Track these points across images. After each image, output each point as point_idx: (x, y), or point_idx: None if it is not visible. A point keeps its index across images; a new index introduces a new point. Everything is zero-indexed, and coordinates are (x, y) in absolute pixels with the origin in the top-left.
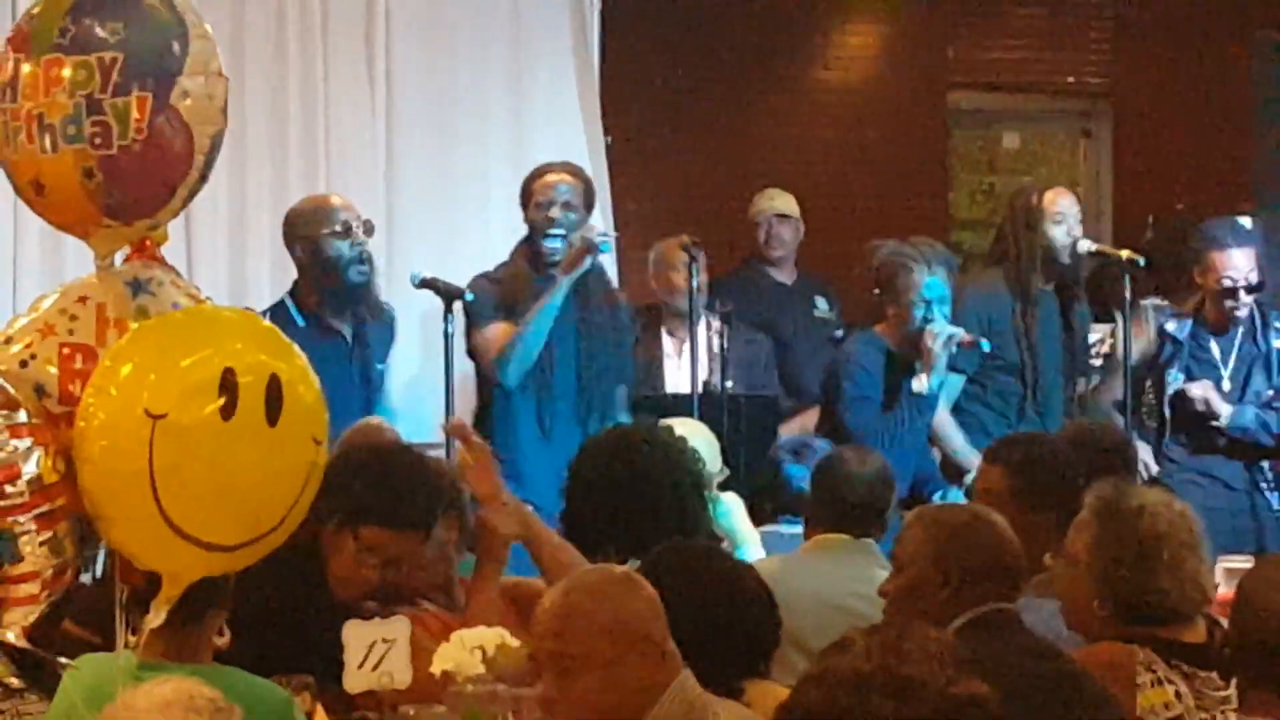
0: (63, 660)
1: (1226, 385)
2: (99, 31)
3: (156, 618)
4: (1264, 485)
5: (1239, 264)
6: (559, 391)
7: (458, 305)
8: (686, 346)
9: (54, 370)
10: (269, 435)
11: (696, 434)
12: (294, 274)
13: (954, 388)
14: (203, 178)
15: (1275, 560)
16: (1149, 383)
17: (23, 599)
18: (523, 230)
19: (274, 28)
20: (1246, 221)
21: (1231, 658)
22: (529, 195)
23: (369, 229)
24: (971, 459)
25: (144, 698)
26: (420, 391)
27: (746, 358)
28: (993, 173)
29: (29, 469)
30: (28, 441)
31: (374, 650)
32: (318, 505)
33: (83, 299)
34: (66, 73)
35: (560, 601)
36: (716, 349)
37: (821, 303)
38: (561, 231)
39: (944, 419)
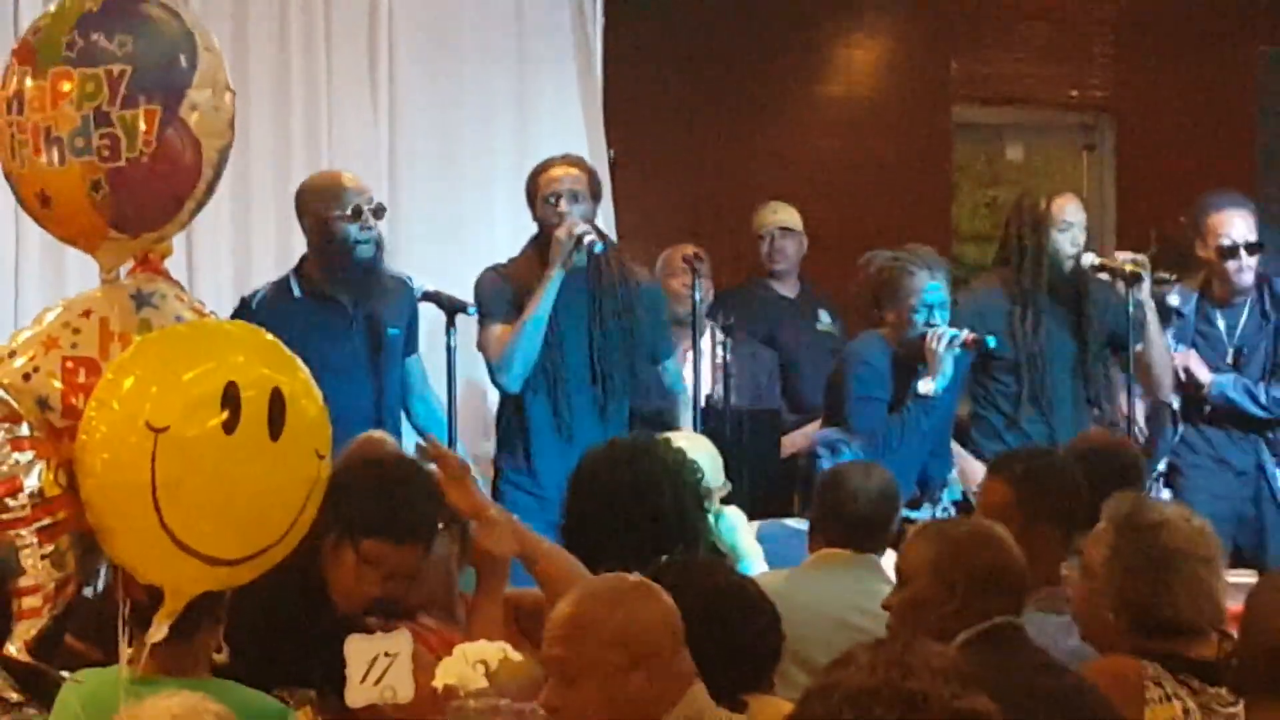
0: (64, 674)
1: (1230, 359)
2: (107, 44)
3: (159, 632)
4: (1270, 464)
5: (1236, 223)
6: (574, 388)
7: (460, 318)
8: (689, 358)
9: (57, 384)
10: (271, 449)
11: (699, 447)
12: None
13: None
14: (210, 191)
15: None
16: None
17: (25, 612)
18: (524, 238)
19: (277, 35)
20: None
21: (1239, 671)
22: (534, 191)
23: (379, 212)
24: None
25: (150, 711)
26: None
27: (751, 370)
28: (996, 186)
29: (31, 482)
30: (30, 455)
31: (376, 664)
32: (318, 518)
33: (86, 313)
34: (74, 86)
35: (572, 608)
36: (719, 361)
37: (824, 316)
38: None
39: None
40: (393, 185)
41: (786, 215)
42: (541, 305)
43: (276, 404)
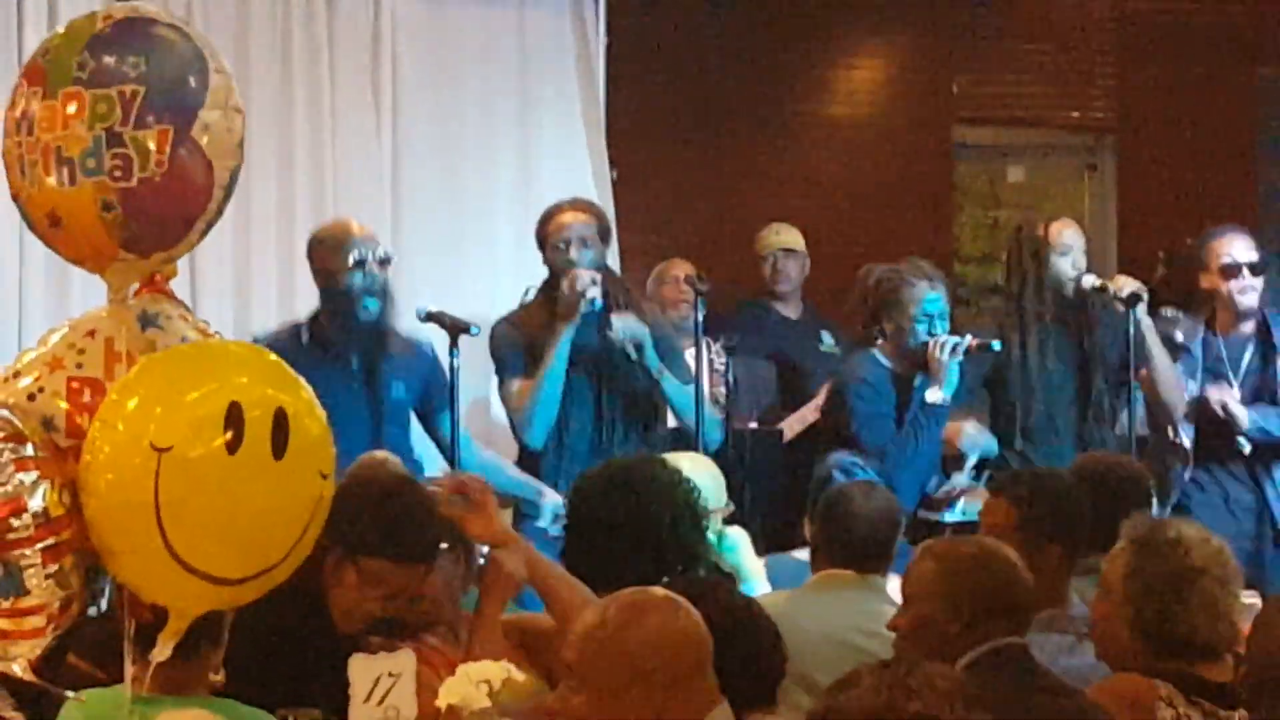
0: (68, 694)
1: (1236, 392)
2: (119, 65)
3: (163, 651)
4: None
5: (1237, 244)
6: (577, 436)
7: (463, 338)
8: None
9: (63, 404)
10: (275, 469)
11: (701, 468)
12: (299, 305)
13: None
14: (219, 212)
15: None
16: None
17: (29, 632)
18: (530, 261)
19: (279, 60)
20: None
21: (1248, 694)
22: (545, 237)
23: (385, 262)
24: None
25: None
26: None
27: (753, 390)
28: (998, 207)
29: (35, 502)
30: (34, 474)
31: (380, 684)
32: (320, 538)
33: (91, 333)
34: (85, 106)
35: (595, 616)
36: (721, 383)
37: (827, 337)
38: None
39: None
40: (395, 204)
41: (789, 236)
42: (555, 363)
43: (280, 424)
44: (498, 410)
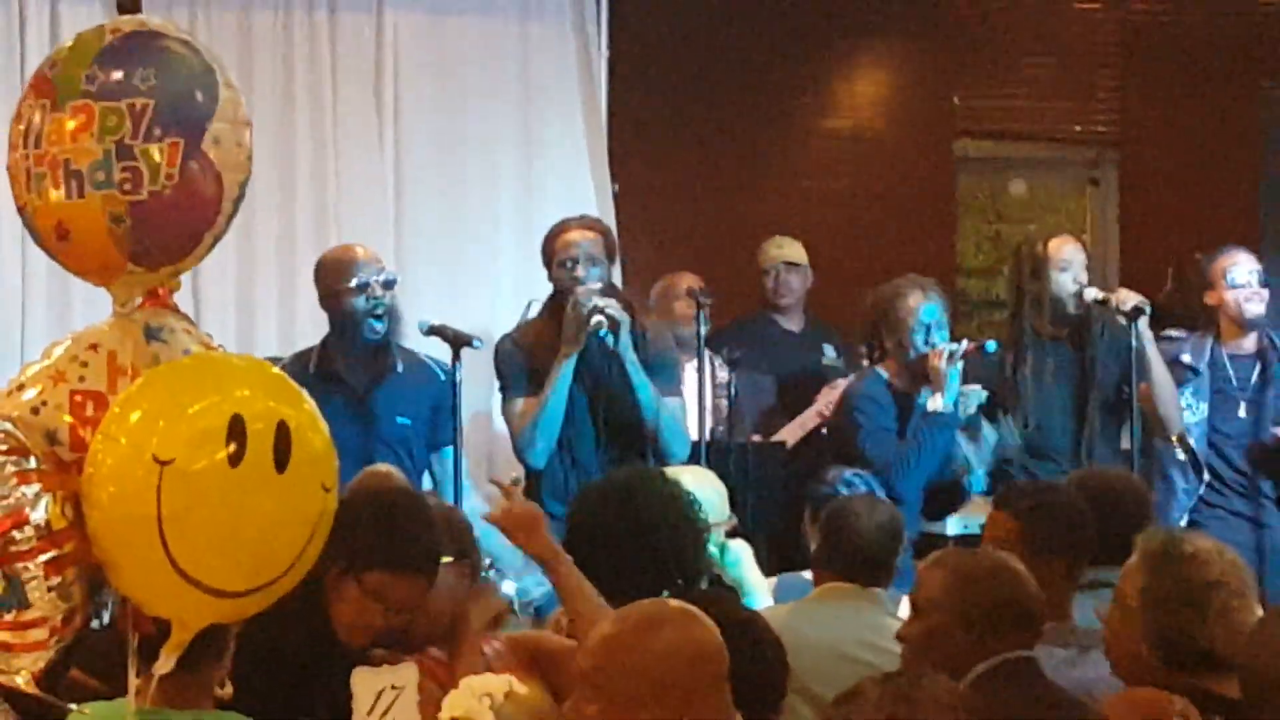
0: (71, 707)
1: (1243, 412)
2: (129, 78)
3: (166, 664)
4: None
5: (1242, 258)
6: (582, 453)
7: (466, 351)
8: (694, 390)
9: (66, 417)
10: (277, 482)
11: (703, 481)
12: (299, 320)
13: (980, 397)
14: (227, 224)
15: None
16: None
17: (31, 645)
18: (532, 275)
19: (282, 77)
20: None
21: (1246, 708)
22: (550, 254)
23: (389, 285)
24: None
25: None
26: None
27: (755, 403)
28: (999, 220)
29: (37, 515)
30: (36, 487)
31: (382, 698)
32: (321, 551)
33: (94, 346)
34: (95, 119)
35: (610, 627)
36: (723, 396)
37: (830, 350)
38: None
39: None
40: (398, 218)
41: (791, 250)
42: (558, 387)
43: (282, 437)
44: (499, 424)
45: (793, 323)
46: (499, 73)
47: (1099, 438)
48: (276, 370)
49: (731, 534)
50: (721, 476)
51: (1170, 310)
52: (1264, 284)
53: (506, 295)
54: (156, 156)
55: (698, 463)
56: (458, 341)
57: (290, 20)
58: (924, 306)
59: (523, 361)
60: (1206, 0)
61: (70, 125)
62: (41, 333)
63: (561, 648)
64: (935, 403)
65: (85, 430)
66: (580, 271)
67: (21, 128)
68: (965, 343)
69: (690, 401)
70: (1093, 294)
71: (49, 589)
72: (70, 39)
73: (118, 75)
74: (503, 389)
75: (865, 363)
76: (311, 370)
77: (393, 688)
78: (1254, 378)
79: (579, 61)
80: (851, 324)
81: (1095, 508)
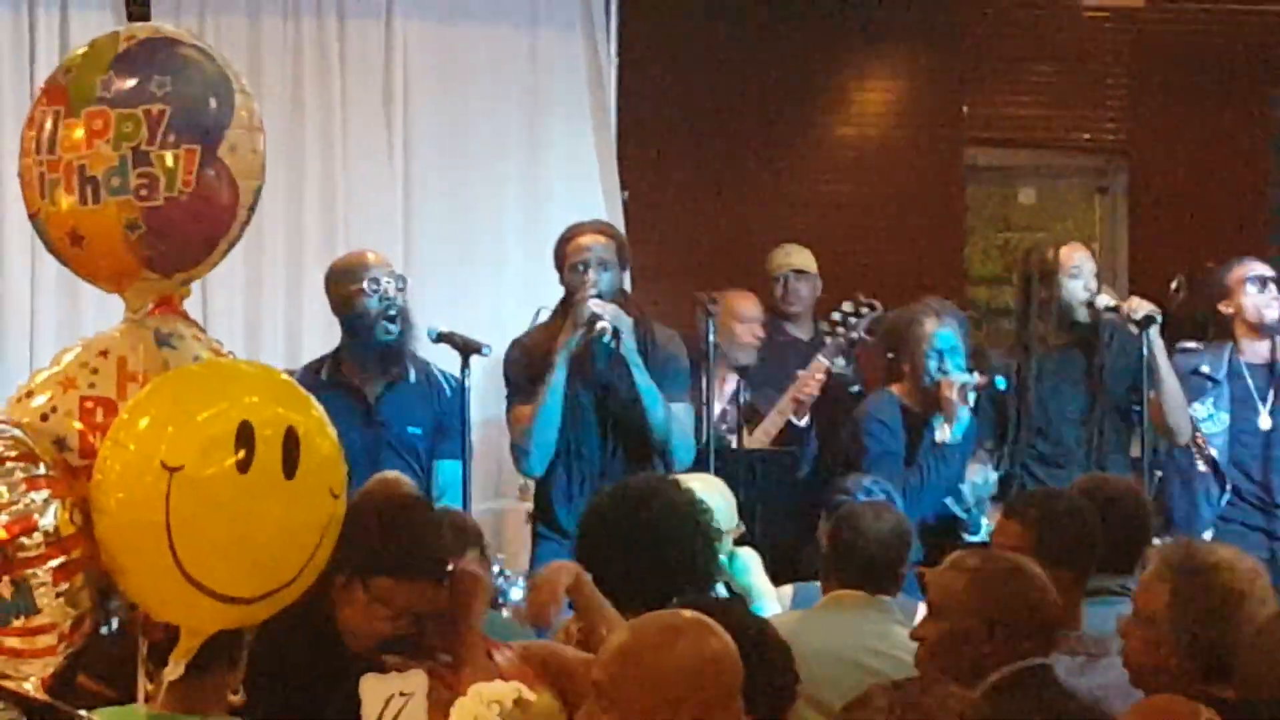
0: (81, 713)
1: (1266, 422)
2: (145, 85)
3: (175, 670)
4: None
5: (1256, 265)
6: (588, 461)
7: (474, 359)
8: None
9: (76, 424)
10: (286, 488)
11: (713, 490)
12: (306, 327)
13: (990, 486)
14: (241, 231)
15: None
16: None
17: (40, 650)
18: (540, 282)
19: (291, 81)
20: None
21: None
22: (562, 258)
23: (400, 287)
24: None
25: None
26: None
27: (761, 402)
28: (1008, 229)
29: (46, 521)
30: (45, 493)
31: (391, 704)
32: (329, 557)
33: (104, 352)
34: (110, 125)
35: (623, 638)
36: (732, 404)
37: (838, 358)
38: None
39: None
40: (406, 224)
41: (800, 258)
42: (551, 394)
43: (291, 443)
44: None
45: (801, 330)
46: (508, 80)
47: (1110, 445)
48: (285, 376)
49: (739, 542)
50: (729, 484)
51: (1180, 321)
52: None
53: (514, 302)
54: (173, 163)
55: (705, 471)
56: (467, 348)
57: (299, 27)
58: (939, 333)
59: (525, 364)
60: (1215, 9)
61: (86, 131)
62: (51, 339)
63: (574, 659)
64: (944, 433)
65: (95, 436)
66: (592, 276)
67: (34, 134)
68: (977, 376)
69: (697, 409)
70: (1104, 301)
71: (57, 595)
72: (81, 46)
73: (134, 82)
74: (508, 395)
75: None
76: (324, 377)
77: (401, 694)
78: (1270, 386)
79: (588, 69)
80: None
81: (1102, 517)
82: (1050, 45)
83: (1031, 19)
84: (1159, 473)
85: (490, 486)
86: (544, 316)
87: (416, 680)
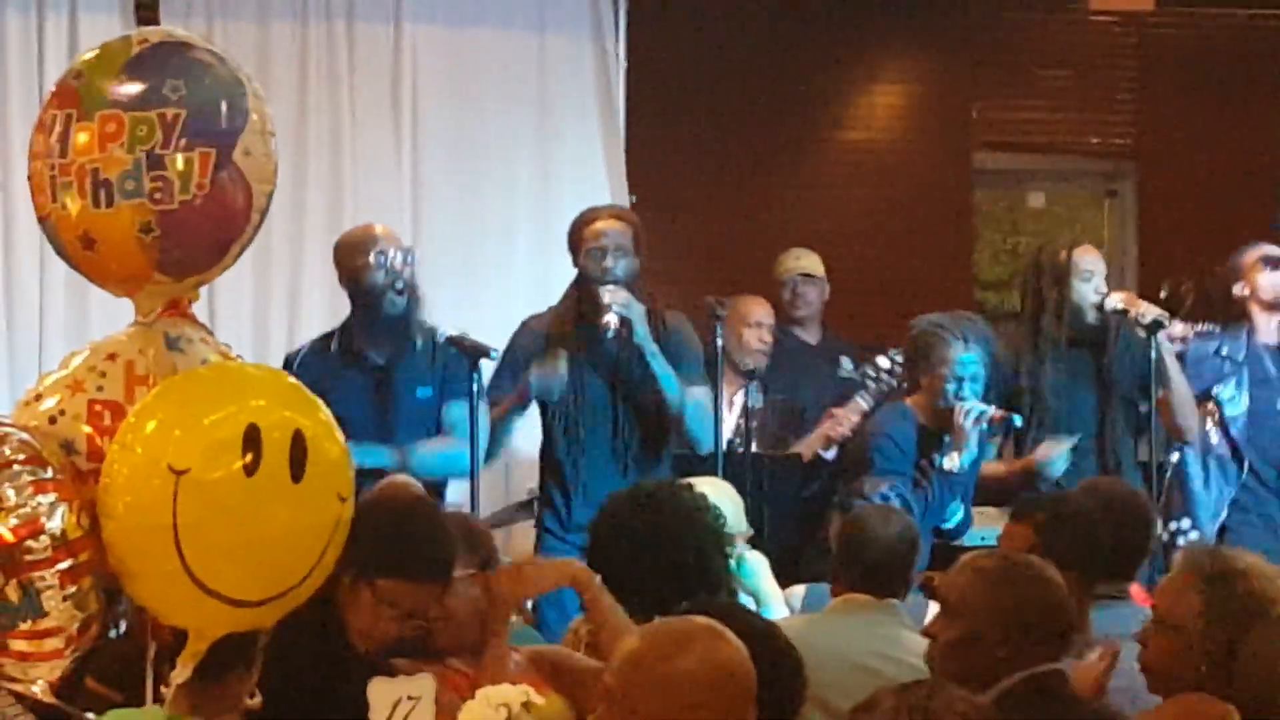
0: (89, 717)
1: None
2: (159, 88)
3: (182, 673)
4: None
5: (1269, 248)
6: (590, 451)
7: (484, 363)
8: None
9: (85, 427)
10: (293, 491)
11: (721, 493)
12: (315, 330)
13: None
14: (254, 235)
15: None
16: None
17: (47, 654)
18: (548, 284)
19: (300, 87)
20: None
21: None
22: (578, 242)
23: (407, 259)
24: None
25: None
26: None
27: (773, 416)
28: (1017, 233)
29: (53, 524)
30: (52, 497)
31: (399, 708)
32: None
33: (112, 356)
34: (124, 129)
35: (636, 643)
36: (741, 407)
37: (846, 362)
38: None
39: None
40: (415, 229)
41: (808, 262)
42: (506, 423)
43: (298, 446)
44: (516, 437)
45: (809, 335)
46: (516, 84)
47: (1119, 446)
48: (292, 380)
49: (751, 544)
50: (738, 488)
51: (1195, 318)
52: None
53: (523, 305)
54: (188, 166)
55: (714, 474)
56: (475, 352)
57: (307, 31)
58: (963, 358)
59: (529, 349)
60: (1224, 13)
61: (99, 134)
62: (60, 343)
63: (584, 666)
64: (952, 462)
65: (103, 440)
66: (609, 262)
67: (44, 137)
68: (991, 409)
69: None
70: (1114, 302)
71: (65, 598)
72: (91, 49)
73: (148, 85)
74: (494, 374)
75: (882, 369)
76: (334, 349)
77: (409, 698)
78: None
79: (596, 72)
80: (869, 336)
81: (1108, 520)
82: (1059, 49)
83: (1040, 23)
84: (1175, 455)
85: (498, 490)
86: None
87: (424, 684)
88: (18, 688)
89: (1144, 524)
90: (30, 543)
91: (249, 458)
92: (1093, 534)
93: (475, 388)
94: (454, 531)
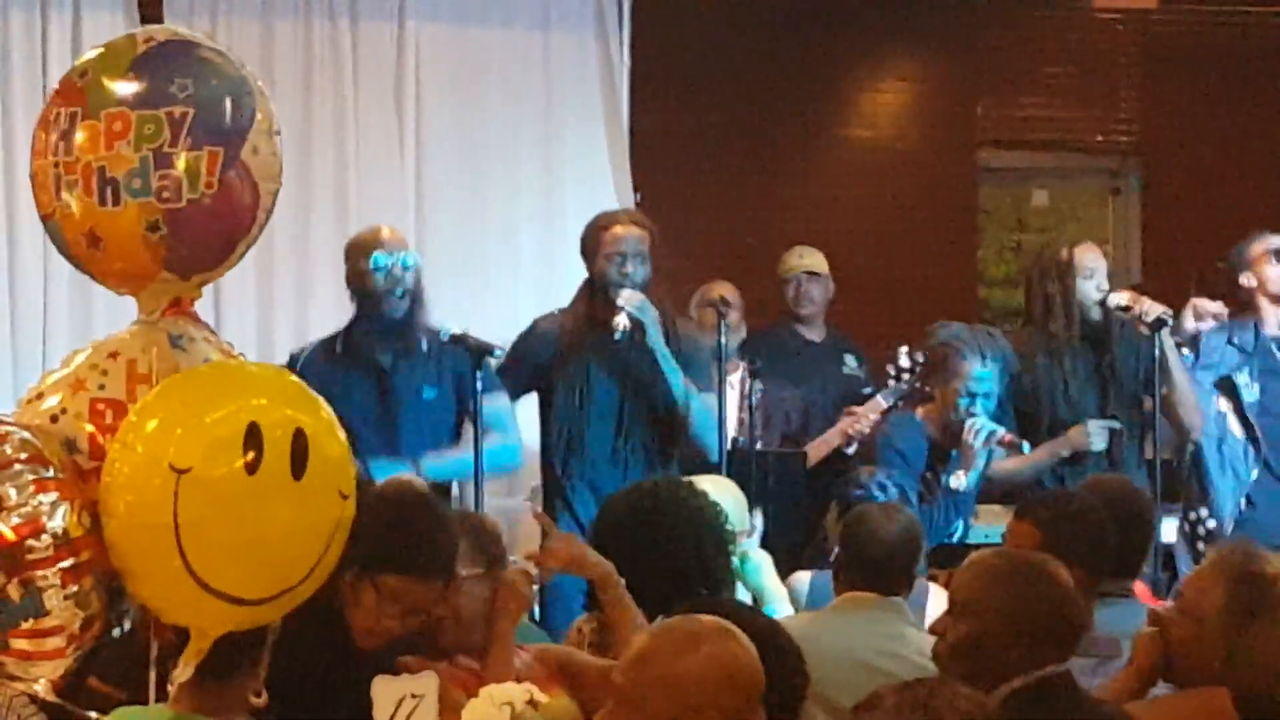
0: (93, 715)
1: None
2: (167, 86)
3: (184, 672)
4: None
5: (1275, 239)
6: (593, 449)
7: (487, 360)
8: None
9: (87, 426)
10: (294, 489)
11: (724, 491)
12: (320, 329)
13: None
14: (259, 233)
15: None
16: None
17: (49, 652)
18: (552, 283)
19: (303, 85)
20: None
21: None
22: (596, 246)
23: (405, 265)
24: None
25: None
26: None
27: (778, 413)
28: (1022, 230)
29: (54, 523)
30: (54, 496)
31: (402, 706)
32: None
33: (114, 354)
34: (131, 127)
35: (645, 641)
36: (747, 404)
37: (851, 360)
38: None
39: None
40: (418, 226)
41: (812, 260)
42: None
43: (299, 444)
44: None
45: (814, 332)
46: (520, 82)
47: (1125, 443)
48: (293, 378)
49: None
50: (741, 486)
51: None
52: None
53: (527, 303)
54: (196, 165)
55: (718, 471)
56: (479, 350)
57: (311, 29)
58: (978, 373)
59: (539, 352)
60: (1227, 10)
61: (105, 133)
62: (64, 341)
63: (590, 663)
64: (959, 481)
65: (105, 438)
66: (629, 268)
67: (48, 135)
68: (1001, 431)
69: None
70: (1116, 300)
71: (66, 597)
72: (96, 47)
73: (155, 84)
74: (501, 368)
75: (903, 369)
76: (338, 350)
77: (412, 696)
78: None
79: (600, 71)
80: (873, 334)
81: (1112, 518)
82: (1063, 47)
83: (1044, 20)
84: (1192, 446)
85: (502, 486)
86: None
87: (427, 682)
88: (20, 687)
89: (1146, 522)
90: (32, 541)
91: (250, 456)
92: (1097, 531)
93: (477, 385)
94: (460, 530)
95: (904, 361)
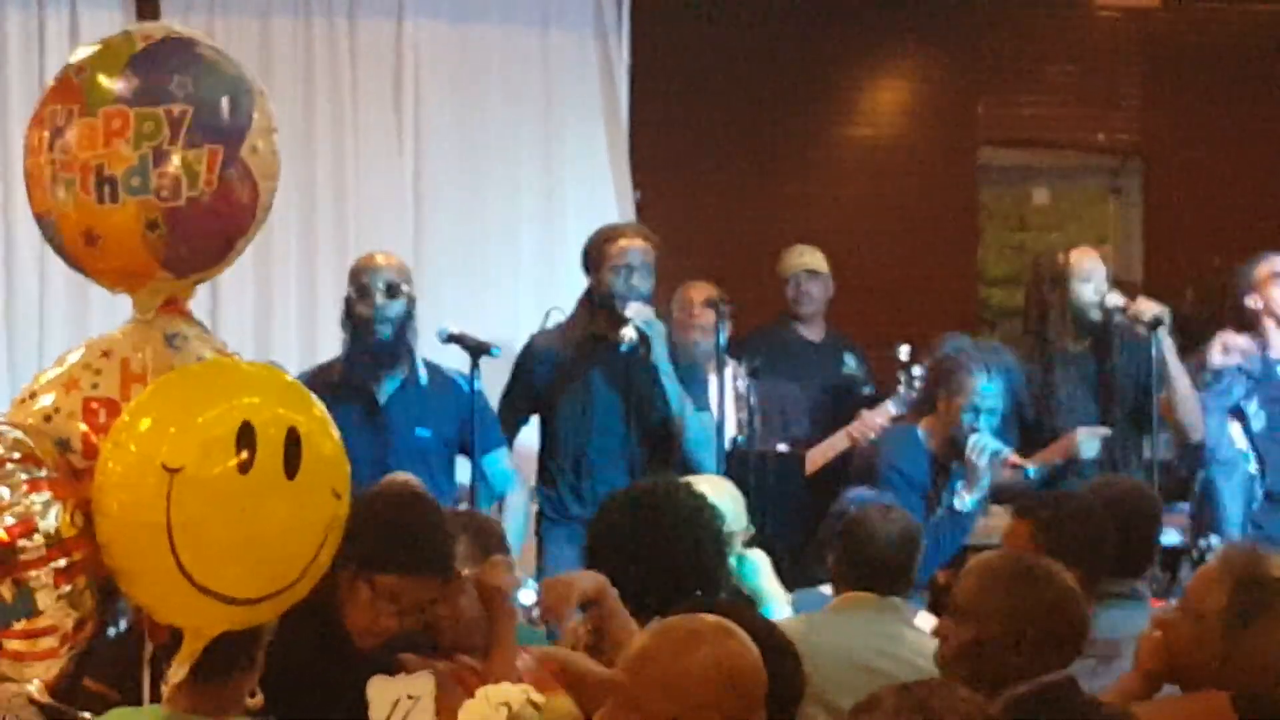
0: (86, 715)
1: None
2: (166, 84)
3: (179, 672)
4: None
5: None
6: (597, 463)
7: (485, 360)
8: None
9: (80, 425)
10: (288, 488)
11: (721, 491)
12: (319, 329)
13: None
14: (256, 232)
15: None
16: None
17: (42, 653)
18: (552, 283)
19: (302, 82)
20: None
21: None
22: (601, 259)
23: (391, 290)
24: None
25: None
26: None
27: (777, 413)
28: (1022, 229)
29: (47, 524)
30: (46, 495)
31: (399, 707)
32: (335, 555)
33: (106, 353)
34: (129, 125)
35: (646, 639)
36: (743, 406)
37: (850, 359)
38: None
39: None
40: (417, 226)
41: (812, 258)
42: None
43: (292, 443)
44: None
45: (813, 332)
46: (520, 81)
47: (1125, 447)
48: (287, 377)
49: (749, 544)
50: (740, 486)
51: (1193, 321)
52: None
53: (527, 303)
54: (195, 163)
55: (715, 473)
56: (477, 350)
57: (310, 27)
58: (983, 388)
59: (540, 373)
60: (1229, 8)
61: (103, 130)
62: (60, 340)
63: (589, 670)
64: (962, 501)
65: (98, 438)
66: (636, 280)
67: (43, 132)
68: (1006, 450)
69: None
70: (1113, 300)
71: (59, 597)
72: (92, 45)
73: (154, 81)
74: (503, 396)
75: (915, 377)
76: (335, 379)
77: (409, 697)
78: None
79: (600, 70)
80: (873, 333)
81: (1113, 518)
82: (1064, 45)
83: (1045, 19)
84: (1202, 471)
85: None
86: (556, 317)
87: (424, 683)
88: (13, 687)
89: (1151, 519)
90: (24, 541)
91: (243, 455)
92: (1095, 531)
93: (475, 386)
94: (460, 529)
95: (916, 370)
